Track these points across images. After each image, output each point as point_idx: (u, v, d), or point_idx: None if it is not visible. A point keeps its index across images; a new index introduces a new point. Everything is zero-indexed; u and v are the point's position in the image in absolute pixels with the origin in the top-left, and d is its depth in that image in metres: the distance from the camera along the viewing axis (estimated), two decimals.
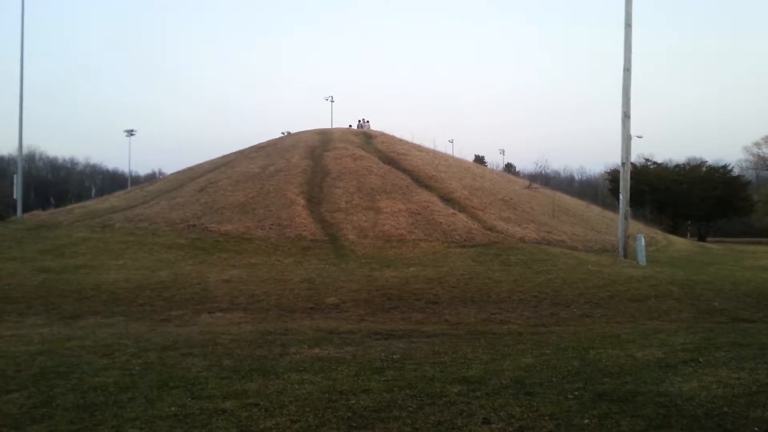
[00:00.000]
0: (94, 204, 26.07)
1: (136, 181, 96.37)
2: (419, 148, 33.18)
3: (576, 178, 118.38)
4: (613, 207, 42.17)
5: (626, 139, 17.59)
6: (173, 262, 15.37)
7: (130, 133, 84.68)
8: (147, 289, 12.23)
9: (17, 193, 38.69)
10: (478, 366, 5.72)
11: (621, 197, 17.74)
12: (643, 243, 16.77)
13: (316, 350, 6.72)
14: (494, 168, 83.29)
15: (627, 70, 17.45)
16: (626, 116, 17.55)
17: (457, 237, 18.69)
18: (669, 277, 14.34)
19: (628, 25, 17.47)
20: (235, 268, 14.68)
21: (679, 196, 48.88)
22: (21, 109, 38.87)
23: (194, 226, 19.35)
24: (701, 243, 38.16)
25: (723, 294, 12.43)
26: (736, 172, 56.75)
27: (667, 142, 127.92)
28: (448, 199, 22.78)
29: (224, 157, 32.20)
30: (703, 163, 55.64)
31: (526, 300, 11.77)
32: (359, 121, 46.14)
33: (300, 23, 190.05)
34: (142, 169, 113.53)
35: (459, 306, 11.27)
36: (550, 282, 13.21)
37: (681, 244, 29.87)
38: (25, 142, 41.77)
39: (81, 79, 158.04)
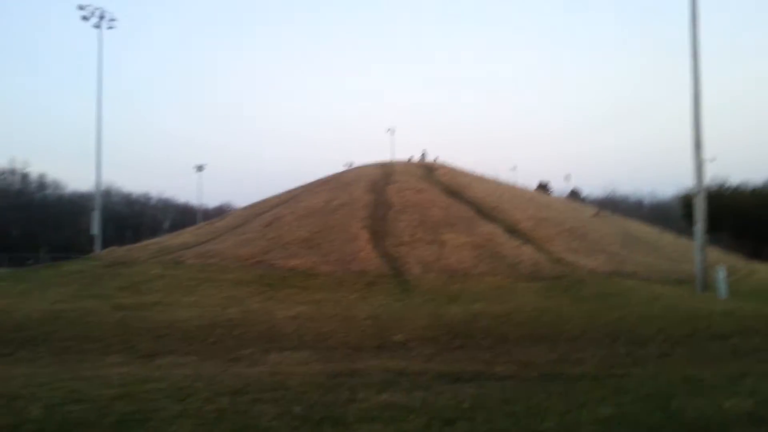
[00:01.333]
0: (167, 240, 27.10)
1: (206, 213, 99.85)
2: (481, 179, 32.98)
3: (646, 202, 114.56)
4: (687, 232, 40.33)
5: (699, 167, 16.90)
6: (242, 299, 15.70)
7: (200, 168, 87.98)
8: (218, 326, 12.51)
9: (96, 229, 40.78)
10: (552, 417, 5.50)
11: (697, 227, 16.96)
12: (723, 275, 15.92)
13: (385, 396, 6.64)
14: (559, 195, 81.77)
15: (696, 97, 16.84)
16: (698, 145, 16.89)
17: (524, 270, 18.30)
18: (753, 311, 13.50)
19: (694, 54, 16.92)
20: (301, 305, 14.84)
21: (758, 222, 46.44)
22: (99, 149, 41.13)
23: (261, 261, 19.78)
24: None
25: None
26: None
27: (742, 162, 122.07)
28: (512, 231, 22.42)
29: (289, 192, 32.94)
30: None
31: (600, 338, 11.31)
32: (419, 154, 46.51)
33: (362, 57, 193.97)
34: (212, 202, 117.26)
35: (528, 344, 10.95)
36: (624, 318, 12.70)
37: (763, 272, 28.17)
38: (102, 179, 44.26)
39: (153, 116, 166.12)
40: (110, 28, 42.03)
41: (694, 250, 17.97)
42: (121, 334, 12.15)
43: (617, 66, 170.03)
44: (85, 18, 40.95)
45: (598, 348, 10.60)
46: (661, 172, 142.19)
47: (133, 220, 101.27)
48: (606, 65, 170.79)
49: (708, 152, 17.72)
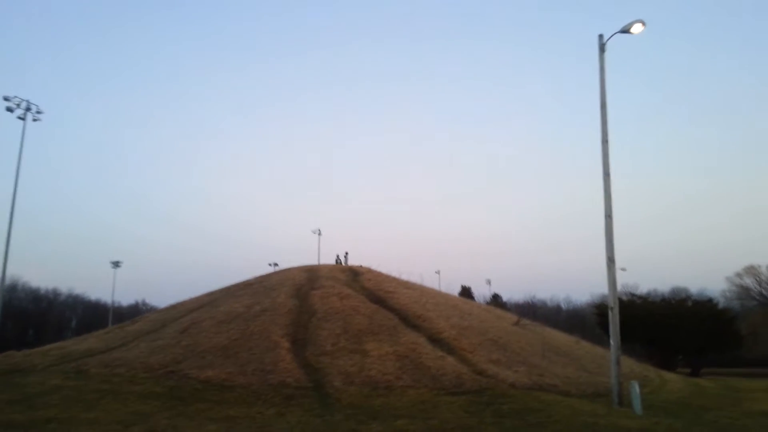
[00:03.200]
0: (71, 345, 25.25)
1: (118, 312, 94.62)
2: (406, 285, 33.19)
3: (563, 307, 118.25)
4: (602, 341, 41.66)
5: (612, 283, 17.66)
6: (148, 415, 14.55)
7: (116, 264, 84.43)
8: None
9: None
10: None
11: (612, 342, 17.45)
12: (637, 390, 16.26)
13: None
14: (481, 300, 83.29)
15: (608, 216, 17.91)
16: (611, 261, 17.75)
17: (447, 383, 18.07)
18: (667, 428, 13.77)
19: (606, 174, 18.18)
20: (213, 422, 13.89)
21: (668, 331, 48.66)
22: (8, 241, 38.87)
23: (173, 372, 18.63)
24: (695, 380, 37.27)
25: None
26: (721, 304, 57.15)
27: (649, 271, 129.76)
28: (436, 340, 22.35)
29: (209, 294, 31.90)
30: (688, 297, 56.11)
31: None
32: (337, 256, 47.15)
33: (289, 160, 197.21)
34: (125, 299, 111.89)
35: None
36: None
37: (674, 382, 29.12)
38: (7, 273, 41.48)
39: (66, 210, 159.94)
40: (35, 120, 41.19)
41: (609, 363, 18.37)
42: None
43: (537, 180, 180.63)
44: (9, 110, 39.99)
45: None
46: (577, 279, 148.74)
47: (38, 318, 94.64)
48: (526, 180, 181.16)
49: (620, 262, 18.56)
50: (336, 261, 46.95)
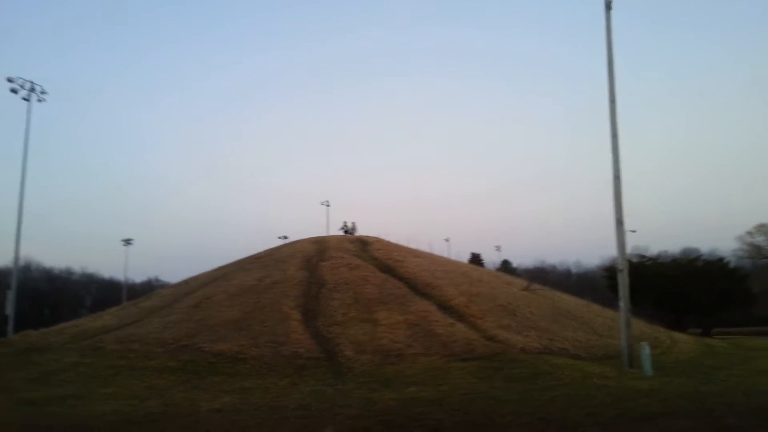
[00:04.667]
0: (86, 322, 25.61)
1: (132, 289, 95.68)
2: (415, 253, 33.27)
3: (573, 271, 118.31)
4: (612, 303, 41.65)
5: (622, 245, 17.62)
6: (164, 389, 14.82)
7: (128, 242, 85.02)
8: (135, 423, 11.66)
9: (9, 310, 38.23)
10: None
11: (621, 304, 17.49)
12: (647, 351, 16.35)
13: None
14: (491, 266, 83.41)
15: (617, 177, 17.78)
16: (619, 223, 17.68)
17: (457, 349, 18.23)
18: (678, 389, 13.82)
19: (614, 135, 17.98)
20: (227, 394, 14.13)
21: (678, 291, 48.62)
22: (20, 223, 39.25)
23: (187, 346, 18.90)
24: (706, 340, 37.42)
25: (736, 409, 11.91)
26: (732, 263, 56.93)
27: (660, 232, 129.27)
28: (446, 308, 22.48)
29: (221, 268, 32.12)
30: (698, 256, 55.86)
31: (532, 423, 11.21)
32: (344, 223, 46.75)
33: (296, 130, 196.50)
34: (138, 277, 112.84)
35: None
36: (555, 400, 12.70)
37: (685, 343, 29.25)
38: (21, 253, 41.97)
39: (78, 189, 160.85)
40: (40, 101, 41.13)
41: (619, 325, 18.44)
42: None
43: (544, 138, 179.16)
44: (13, 91, 39.92)
45: None
46: (587, 242, 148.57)
47: (53, 297, 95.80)
48: (531, 138, 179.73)
49: (629, 224, 18.49)
50: (343, 230, 46.69)
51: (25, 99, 40.16)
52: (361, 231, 46.24)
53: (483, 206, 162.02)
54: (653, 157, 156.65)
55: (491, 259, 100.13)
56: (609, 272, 53.56)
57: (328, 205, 72.79)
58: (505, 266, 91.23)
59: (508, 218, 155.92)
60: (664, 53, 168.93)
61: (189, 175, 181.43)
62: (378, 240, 36.44)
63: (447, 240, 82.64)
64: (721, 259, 55.82)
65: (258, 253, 34.51)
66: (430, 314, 21.29)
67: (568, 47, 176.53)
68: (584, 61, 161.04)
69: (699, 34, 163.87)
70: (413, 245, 37.10)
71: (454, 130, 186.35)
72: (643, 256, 58.18)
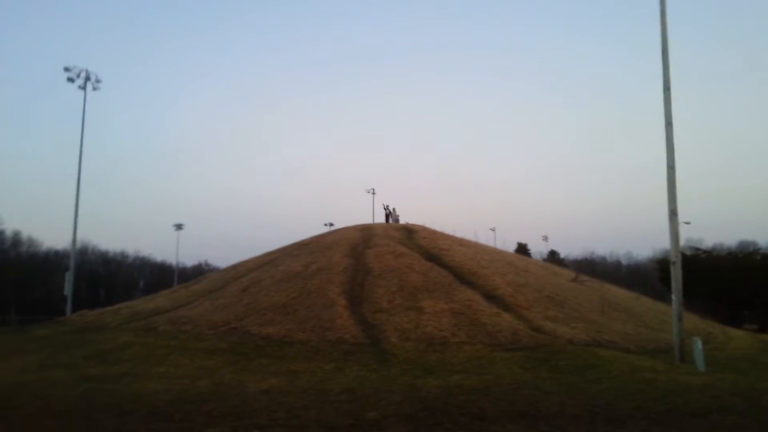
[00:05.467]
0: (140, 304, 26.52)
1: (183, 273, 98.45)
2: (461, 242, 33.09)
3: (623, 263, 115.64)
4: (664, 296, 40.64)
5: (675, 237, 17.08)
6: (214, 370, 15.24)
7: (179, 227, 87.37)
8: (186, 401, 12.06)
9: (68, 290, 39.91)
10: None
11: (674, 297, 16.99)
12: (700, 346, 15.85)
13: None
14: (538, 256, 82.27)
15: (671, 167, 17.21)
16: (673, 213, 17.13)
17: (502, 339, 18.09)
18: (731, 385, 13.39)
19: (668, 124, 17.39)
20: (275, 376, 14.43)
21: (734, 286, 46.89)
22: (77, 207, 40.82)
23: (236, 328, 19.36)
24: (762, 336, 36.03)
25: None
26: None
27: (715, 224, 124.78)
28: (491, 297, 22.31)
29: (268, 254, 32.70)
30: (756, 250, 53.73)
31: (579, 415, 11.07)
32: (386, 207, 46.65)
33: (345, 117, 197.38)
34: (189, 261, 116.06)
35: (507, 422, 10.67)
36: (603, 393, 12.50)
37: (740, 339, 28.26)
38: (78, 237, 43.76)
39: (134, 173, 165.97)
40: (95, 89, 42.53)
41: (671, 319, 17.94)
42: (85, 409, 11.64)
43: (594, 127, 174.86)
44: (70, 80, 41.40)
45: (578, 426, 10.35)
46: (638, 234, 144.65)
47: (108, 279, 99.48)
48: (581, 126, 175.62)
49: (682, 214, 17.92)
50: (385, 212, 46.59)
51: (81, 87, 41.63)
52: (407, 220, 46.22)
53: (531, 195, 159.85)
54: (711, 148, 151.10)
55: (538, 249, 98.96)
56: (661, 264, 52.14)
57: (373, 193, 73.12)
58: (553, 256, 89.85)
59: (556, 208, 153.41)
60: (719, 38, 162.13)
61: (239, 163, 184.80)
62: (424, 228, 36.39)
63: (493, 229, 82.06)
64: None
65: (304, 240, 34.98)
66: (475, 303, 21.17)
67: (617, 34, 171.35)
68: (633, 50, 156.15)
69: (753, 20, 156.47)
70: (459, 234, 36.95)
71: (503, 118, 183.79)
72: (697, 249, 56.36)
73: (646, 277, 79.67)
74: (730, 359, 19.73)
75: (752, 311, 51.76)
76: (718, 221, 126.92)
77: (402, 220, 44.63)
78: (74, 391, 13.04)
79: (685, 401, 11.94)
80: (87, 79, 41.85)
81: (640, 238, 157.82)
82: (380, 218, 48.05)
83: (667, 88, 17.82)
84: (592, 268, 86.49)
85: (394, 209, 46.99)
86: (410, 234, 33.44)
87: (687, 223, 52.81)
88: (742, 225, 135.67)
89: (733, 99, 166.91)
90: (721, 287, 47.59)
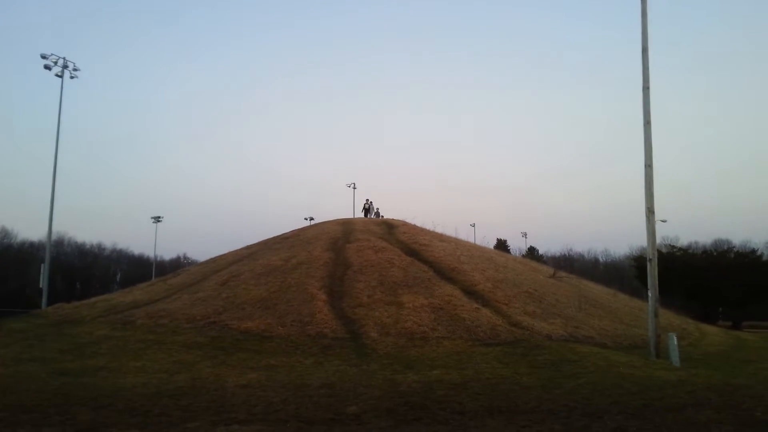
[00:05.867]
0: (117, 297, 26.20)
1: (161, 266, 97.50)
2: (441, 238, 33.18)
3: (600, 260, 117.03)
4: (640, 293, 41.20)
5: (651, 234, 17.33)
6: (192, 364, 15.12)
7: (157, 219, 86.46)
8: (164, 396, 11.96)
9: (44, 283, 39.29)
10: None
11: (650, 294, 17.26)
12: (675, 342, 16.14)
13: None
14: (517, 253, 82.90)
15: (648, 166, 17.44)
16: (650, 211, 17.38)
17: (482, 334, 18.23)
18: (705, 381, 13.64)
19: (647, 123, 17.63)
20: (254, 371, 14.36)
21: (708, 283, 47.78)
22: (53, 198, 40.15)
23: (215, 323, 19.22)
24: (735, 332, 36.77)
25: (765, 402, 11.72)
26: (765, 256, 55.69)
27: (691, 223, 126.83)
28: (471, 293, 22.43)
29: (248, 248, 32.50)
30: (731, 248, 54.79)
31: (557, 409, 11.19)
32: (367, 201, 46.67)
33: (322, 111, 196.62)
34: (168, 254, 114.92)
35: (485, 417, 10.76)
36: (580, 388, 12.65)
37: (714, 335, 28.81)
38: (54, 228, 43.05)
39: (111, 164, 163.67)
40: (72, 77, 41.80)
41: (647, 315, 18.23)
42: (61, 403, 11.47)
43: (573, 125, 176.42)
44: (47, 67, 40.63)
45: (555, 421, 10.46)
46: (616, 231, 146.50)
47: (85, 271, 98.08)
48: (560, 124, 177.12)
49: (658, 212, 18.17)
50: (364, 206, 46.41)
51: (58, 76, 40.89)
52: (388, 215, 46.19)
53: (510, 193, 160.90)
54: (686, 147, 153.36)
55: (517, 245, 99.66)
56: (637, 262, 52.93)
57: (354, 188, 73.03)
58: (532, 253, 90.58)
59: (535, 205, 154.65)
60: (696, 39, 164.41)
61: (218, 156, 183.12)
62: (404, 223, 36.42)
63: (473, 225, 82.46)
64: (753, 251, 54.77)
65: (284, 234, 34.80)
66: (454, 298, 21.27)
67: (596, 33, 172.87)
68: (612, 48, 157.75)
69: (732, 19, 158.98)
70: (439, 230, 37.02)
71: (482, 115, 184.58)
72: (673, 247, 57.34)
73: (622, 274, 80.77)
74: (704, 355, 20.10)
75: (726, 308, 52.81)
76: (694, 220, 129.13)
77: (382, 215, 44.63)
78: (50, 385, 12.85)
79: (660, 396, 12.14)
80: (64, 67, 41.12)
81: (618, 236, 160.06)
82: (361, 214, 47.83)
83: (646, 87, 18.04)
84: (570, 264, 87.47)
85: (372, 203, 46.93)
86: (390, 229, 33.46)
87: (663, 221, 53.57)
88: (717, 223, 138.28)
89: (711, 98, 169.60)
90: (696, 284, 48.48)
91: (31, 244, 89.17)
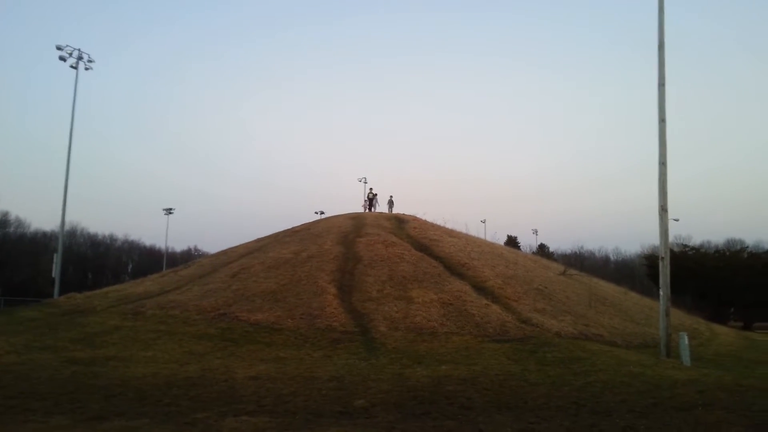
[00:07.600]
0: (128, 287, 26.37)
1: (172, 257, 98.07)
2: (451, 233, 33.10)
3: (612, 258, 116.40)
4: (651, 292, 40.99)
5: (664, 233, 17.19)
6: (202, 355, 15.22)
7: (169, 211, 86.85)
8: (174, 386, 12.04)
9: (56, 273, 39.63)
10: None
11: (661, 293, 17.13)
12: (686, 342, 16.01)
13: None
14: (527, 250, 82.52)
15: (662, 164, 17.28)
16: (663, 210, 17.23)
17: (491, 330, 18.19)
18: (716, 380, 13.53)
19: (662, 120, 17.45)
20: (263, 363, 14.43)
21: (721, 283, 47.40)
22: (66, 189, 40.46)
23: (225, 314, 19.31)
24: (747, 333, 36.49)
25: None
26: None
27: (704, 222, 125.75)
28: (480, 289, 22.38)
29: (258, 240, 32.58)
30: (744, 248, 54.30)
31: (565, 407, 11.16)
32: (370, 190, 45.39)
33: (338, 106, 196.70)
34: (179, 245, 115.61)
35: (494, 412, 10.74)
36: (589, 385, 12.60)
37: (726, 335, 28.60)
38: (67, 219, 43.47)
39: (124, 156, 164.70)
40: (87, 69, 42.02)
41: (658, 314, 18.10)
42: (71, 391, 11.59)
43: (585, 121, 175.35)
44: (62, 59, 40.85)
45: (564, 418, 10.44)
46: (627, 230, 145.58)
47: (97, 261, 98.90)
48: (572, 121, 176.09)
49: (673, 212, 18.04)
50: (368, 197, 44.90)
51: (72, 67, 41.10)
52: (398, 209, 45.64)
53: (521, 189, 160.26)
54: (701, 146, 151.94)
55: (528, 242, 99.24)
56: (649, 260, 52.61)
57: (365, 182, 72.96)
58: (542, 250, 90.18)
59: (546, 202, 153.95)
60: (712, 34, 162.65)
61: (230, 149, 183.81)
62: (414, 218, 36.36)
63: (483, 222, 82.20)
64: (766, 252, 54.23)
65: (295, 227, 34.85)
66: (464, 294, 21.24)
67: (610, 28, 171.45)
68: (626, 44, 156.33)
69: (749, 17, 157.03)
70: (449, 225, 36.92)
71: (493, 110, 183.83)
72: (686, 246, 56.95)
73: (634, 273, 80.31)
74: (715, 355, 19.96)
75: (738, 308, 52.38)
76: (708, 219, 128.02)
77: (392, 209, 43.79)
78: (61, 374, 12.99)
79: (670, 395, 12.05)
80: (79, 58, 41.30)
81: (629, 234, 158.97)
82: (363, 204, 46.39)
83: (661, 84, 17.86)
84: (580, 262, 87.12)
85: (376, 194, 44.88)
86: (401, 224, 33.42)
87: (676, 219, 53.26)
88: (730, 223, 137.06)
89: (726, 98, 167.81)
90: (708, 284, 48.12)
91: (44, 234, 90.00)
